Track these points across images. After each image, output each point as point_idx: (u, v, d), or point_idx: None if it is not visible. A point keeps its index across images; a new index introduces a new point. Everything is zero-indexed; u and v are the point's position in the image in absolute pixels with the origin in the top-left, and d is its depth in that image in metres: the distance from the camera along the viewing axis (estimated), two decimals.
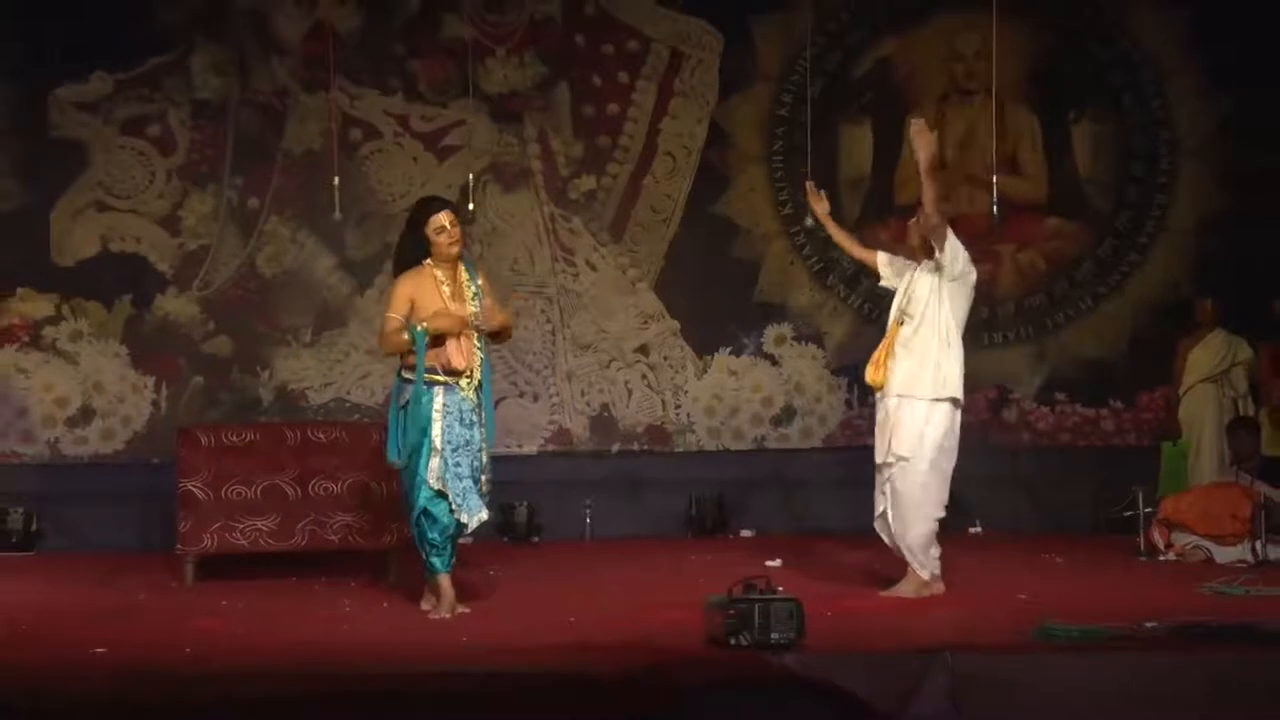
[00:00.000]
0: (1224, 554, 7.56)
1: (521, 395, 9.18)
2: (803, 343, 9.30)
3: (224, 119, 8.98)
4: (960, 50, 9.24)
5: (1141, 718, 4.89)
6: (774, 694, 4.72)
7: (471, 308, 6.16)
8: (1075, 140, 9.39)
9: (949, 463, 6.44)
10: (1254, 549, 7.48)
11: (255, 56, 9.02)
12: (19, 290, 8.84)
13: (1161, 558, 7.68)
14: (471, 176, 7.06)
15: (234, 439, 7.47)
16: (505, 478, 8.91)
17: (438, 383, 6.09)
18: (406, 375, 6.14)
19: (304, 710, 4.55)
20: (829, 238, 9.11)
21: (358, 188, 8.98)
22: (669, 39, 9.27)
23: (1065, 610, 5.72)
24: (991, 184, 6.68)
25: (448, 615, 6.10)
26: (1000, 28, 7.05)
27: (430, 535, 6.12)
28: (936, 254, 6.31)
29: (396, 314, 6.10)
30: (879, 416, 6.54)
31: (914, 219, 6.48)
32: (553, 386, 9.21)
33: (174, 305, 8.95)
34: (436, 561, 6.16)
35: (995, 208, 6.53)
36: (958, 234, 6.46)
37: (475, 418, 6.14)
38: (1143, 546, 7.78)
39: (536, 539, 8.89)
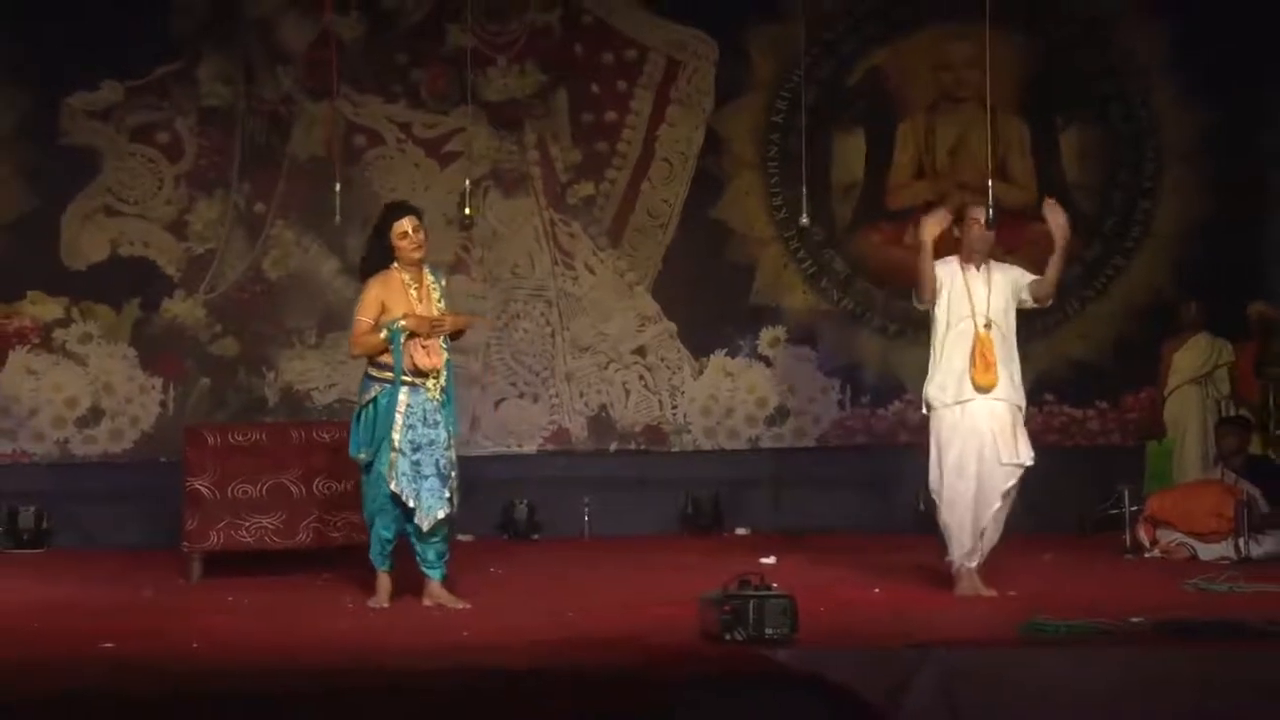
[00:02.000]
0: (1208, 551, 7.56)
1: (521, 396, 9.17)
2: (796, 345, 9.29)
3: (231, 126, 8.97)
4: (950, 59, 9.23)
5: (1128, 711, 4.88)
6: (768, 688, 4.71)
7: (437, 309, 6.21)
8: (1063, 147, 9.38)
9: None
10: (1237, 546, 7.47)
11: (261, 65, 9.01)
12: (30, 293, 8.83)
13: (1147, 555, 7.68)
14: (469, 183, 7.07)
15: (240, 439, 7.46)
16: (505, 476, 8.98)
17: (404, 383, 6.12)
18: (372, 373, 6.19)
19: (307, 704, 4.53)
20: (822, 241, 9.22)
21: (361, 193, 8.96)
22: (666, 48, 9.26)
23: (1053, 606, 5.71)
24: (986, 189, 6.68)
25: (386, 605, 6.19)
26: (990, 37, 7.04)
27: (383, 534, 6.20)
28: (1036, 298, 6.52)
29: (368, 317, 6.16)
30: (995, 417, 6.37)
31: (986, 220, 6.45)
32: (552, 387, 9.20)
33: (181, 308, 8.94)
34: (379, 559, 6.23)
35: (990, 211, 6.50)
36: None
37: (439, 417, 6.15)
38: (1129, 544, 7.77)
39: (536, 536, 8.88)
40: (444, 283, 6.34)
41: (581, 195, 9.24)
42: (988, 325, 6.42)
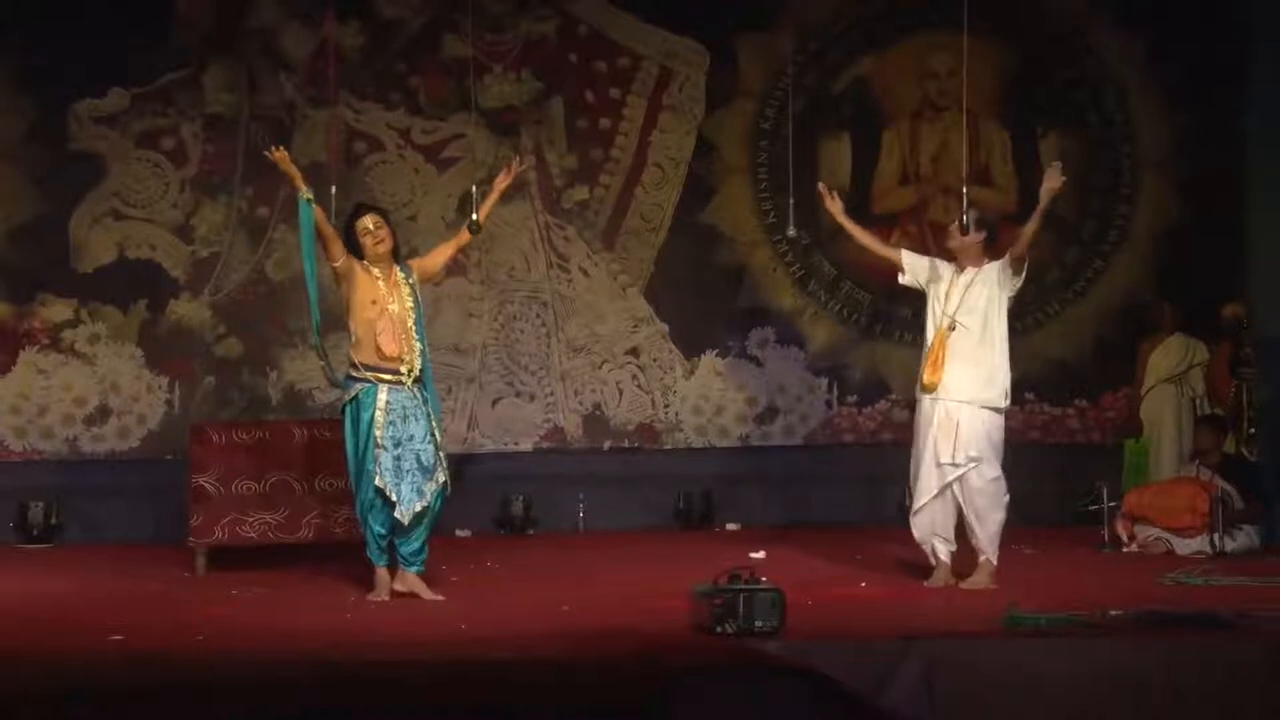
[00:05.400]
0: (1184, 545, 7.58)
1: (518, 395, 9.17)
2: (785, 345, 9.30)
3: (235, 132, 8.97)
4: (933, 69, 9.24)
5: (1105, 700, 4.90)
6: (757, 679, 4.72)
7: (409, 303, 6.27)
8: (1043, 154, 9.37)
9: (1002, 454, 6.55)
10: (1212, 541, 7.49)
11: (264, 73, 9.00)
12: (40, 295, 8.82)
13: (1125, 549, 7.70)
14: (475, 189, 7.07)
15: (244, 436, 7.47)
16: (502, 473, 8.98)
17: (383, 381, 6.20)
18: (353, 374, 6.24)
19: (308, 694, 4.54)
20: (810, 245, 9.23)
21: (362, 198, 8.94)
22: (658, 56, 9.26)
23: (1033, 599, 5.73)
24: (966, 195, 6.76)
25: (385, 598, 6.24)
26: (971, 48, 7.06)
27: (376, 529, 6.24)
28: (1014, 276, 6.48)
29: (338, 247, 6.25)
30: (936, 416, 6.46)
31: (959, 226, 6.53)
32: (548, 386, 9.20)
33: (187, 309, 8.93)
34: (376, 554, 6.27)
35: (966, 216, 6.56)
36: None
37: (419, 414, 6.20)
38: (1107, 538, 7.79)
39: (532, 531, 8.89)
40: (414, 279, 6.41)
41: (576, 200, 9.24)
42: (951, 327, 6.45)
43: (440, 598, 6.29)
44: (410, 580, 6.29)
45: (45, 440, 8.81)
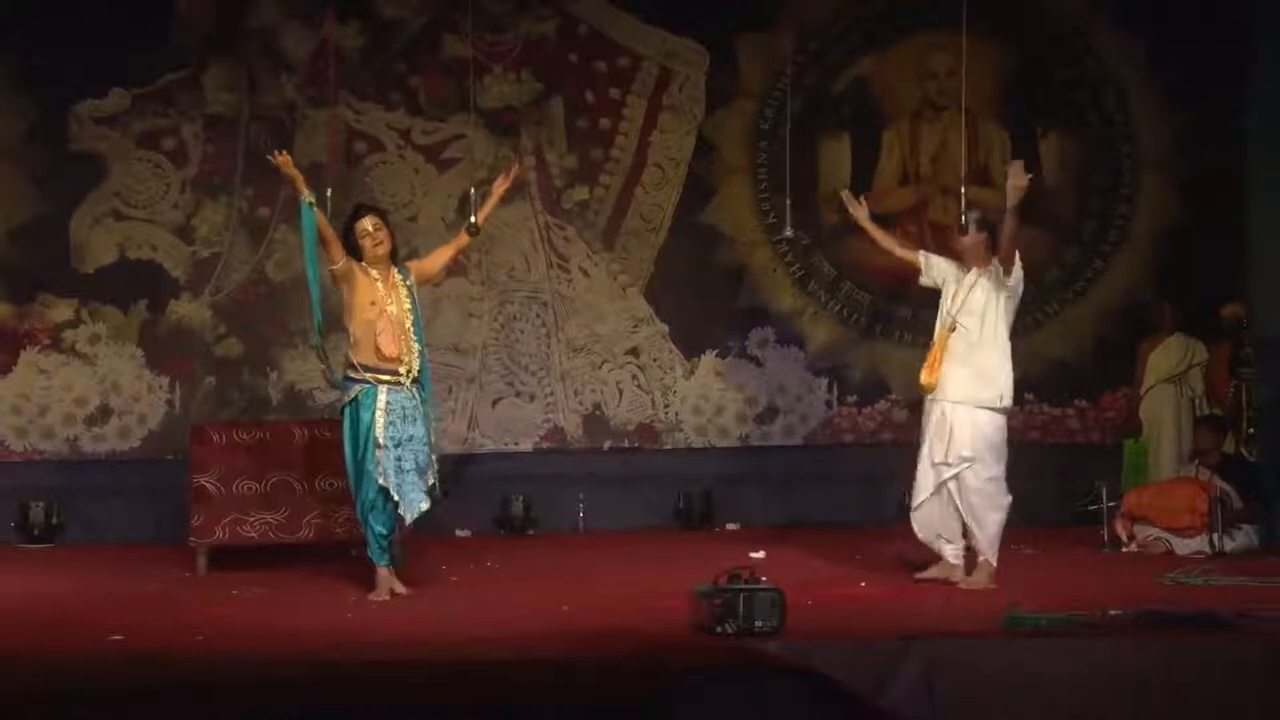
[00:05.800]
0: (1183, 545, 7.59)
1: (518, 395, 9.17)
2: (785, 345, 9.30)
3: (235, 133, 8.96)
4: (933, 69, 9.24)
5: (1104, 700, 4.90)
6: (757, 679, 4.71)
7: (406, 304, 6.30)
8: (1043, 154, 9.38)
9: (1005, 455, 6.54)
10: (1211, 541, 7.50)
11: (264, 74, 9.00)
12: (41, 295, 8.82)
13: (1124, 549, 7.70)
14: (474, 190, 7.06)
15: (244, 437, 7.48)
16: (502, 473, 8.98)
17: (382, 381, 6.21)
18: (351, 375, 6.24)
19: (308, 694, 4.54)
20: (810, 245, 9.23)
21: (362, 198, 8.94)
22: (658, 57, 9.26)
23: (1033, 599, 5.73)
24: (965, 195, 6.79)
25: (386, 597, 6.27)
26: (971, 48, 7.06)
27: (377, 529, 6.25)
28: (1004, 276, 6.48)
29: (338, 249, 6.26)
30: (933, 417, 6.53)
31: (958, 227, 6.60)
32: (547, 386, 9.20)
33: (187, 310, 8.93)
34: (378, 554, 6.29)
35: (965, 217, 6.60)
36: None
37: (417, 414, 6.21)
38: (1107, 538, 7.79)
39: (532, 532, 8.88)
40: (410, 281, 6.42)
41: (576, 200, 9.24)
42: (952, 327, 6.50)
43: (408, 591, 6.32)
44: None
45: (46, 440, 8.81)
